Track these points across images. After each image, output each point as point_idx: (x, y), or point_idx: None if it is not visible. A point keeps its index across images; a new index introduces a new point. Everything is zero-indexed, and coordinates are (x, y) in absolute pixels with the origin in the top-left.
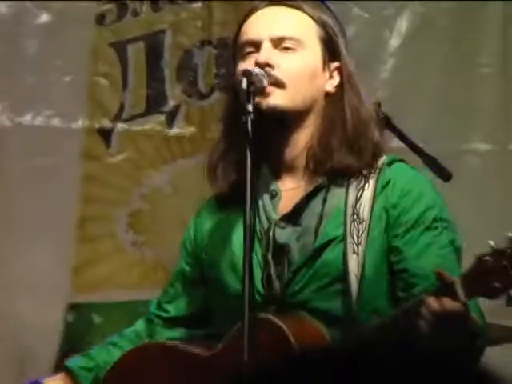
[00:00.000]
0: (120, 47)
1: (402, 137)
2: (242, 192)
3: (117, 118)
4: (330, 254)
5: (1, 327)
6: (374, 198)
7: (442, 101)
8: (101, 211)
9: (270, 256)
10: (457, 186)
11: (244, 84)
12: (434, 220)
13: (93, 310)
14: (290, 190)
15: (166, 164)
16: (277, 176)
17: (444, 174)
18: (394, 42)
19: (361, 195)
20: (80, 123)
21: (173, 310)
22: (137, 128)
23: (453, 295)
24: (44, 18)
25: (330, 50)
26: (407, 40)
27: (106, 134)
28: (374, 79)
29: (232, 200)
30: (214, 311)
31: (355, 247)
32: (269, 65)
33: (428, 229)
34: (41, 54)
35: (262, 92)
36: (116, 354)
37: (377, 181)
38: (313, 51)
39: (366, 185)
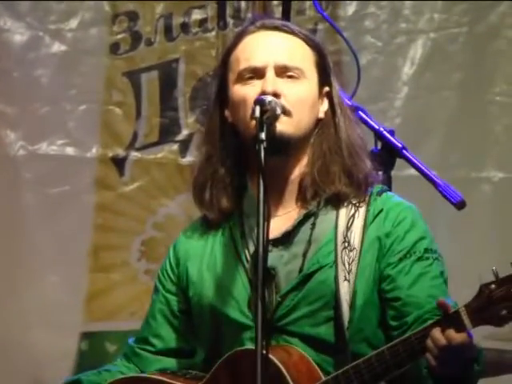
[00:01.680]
0: (134, 76)
1: (415, 165)
2: (231, 216)
3: (130, 146)
4: (321, 280)
5: (15, 355)
6: (365, 226)
7: (454, 129)
8: (114, 240)
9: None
10: (470, 213)
11: (257, 112)
12: (426, 251)
13: (106, 339)
14: (278, 215)
15: (179, 192)
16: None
17: (457, 202)
18: (408, 70)
19: (351, 223)
20: (94, 152)
21: (159, 343)
22: (150, 157)
23: (458, 325)
24: (57, 47)
25: (323, 75)
26: (420, 68)
27: (119, 163)
28: (388, 107)
29: (220, 223)
30: (200, 338)
31: (346, 274)
32: (276, 94)
33: (420, 259)
34: (54, 84)
35: (275, 120)
36: None
37: (367, 210)
38: (312, 79)
39: (357, 213)
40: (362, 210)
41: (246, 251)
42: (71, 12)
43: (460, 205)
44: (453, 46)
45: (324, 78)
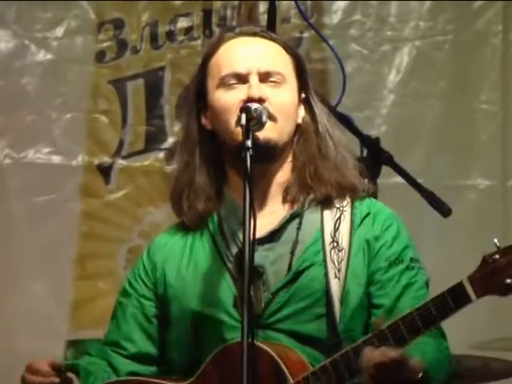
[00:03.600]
0: (119, 84)
1: (401, 173)
2: (209, 220)
3: (116, 154)
4: (311, 277)
5: (0, 363)
6: (352, 228)
7: (440, 137)
8: (100, 248)
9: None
10: (455, 221)
11: (243, 120)
12: (412, 260)
13: (92, 347)
14: (262, 215)
15: (166, 200)
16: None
17: (443, 210)
18: (393, 77)
19: (338, 225)
20: (79, 160)
21: (132, 347)
22: (136, 165)
23: (464, 297)
24: (43, 55)
25: (301, 82)
26: (406, 76)
27: (105, 171)
28: (374, 115)
29: (198, 227)
30: (178, 344)
31: (336, 272)
32: (261, 99)
33: (407, 268)
34: (40, 92)
35: (261, 127)
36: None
37: (352, 213)
38: (292, 84)
39: (342, 216)
40: (347, 214)
41: (228, 252)
42: (57, 20)
43: (446, 212)
44: (438, 54)
45: (302, 84)
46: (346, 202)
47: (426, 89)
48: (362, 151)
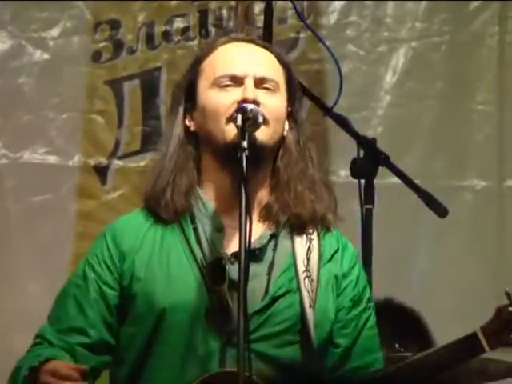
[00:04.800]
0: (116, 85)
1: (398, 173)
2: (181, 216)
3: (112, 155)
4: (286, 305)
5: None
6: (320, 261)
7: (437, 137)
8: None
9: (225, 288)
10: (452, 222)
11: (239, 120)
12: (368, 300)
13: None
14: (237, 230)
15: None
16: (222, 210)
17: (440, 211)
18: (390, 78)
19: (309, 256)
20: (76, 160)
21: (95, 334)
22: (132, 165)
23: (477, 347)
24: (39, 55)
25: (289, 94)
26: (402, 77)
27: (101, 171)
28: (370, 116)
29: (171, 221)
30: (132, 341)
31: (311, 301)
32: (256, 102)
33: (365, 309)
34: (36, 92)
35: (257, 128)
36: None
37: (320, 245)
38: (283, 94)
39: (311, 245)
40: (315, 244)
41: (203, 259)
42: (53, 20)
43: (442, 213)
44: (435, 55)
45: (290, 96)
46: (314, 232)
47: (423, 90)
48: (358, 152)
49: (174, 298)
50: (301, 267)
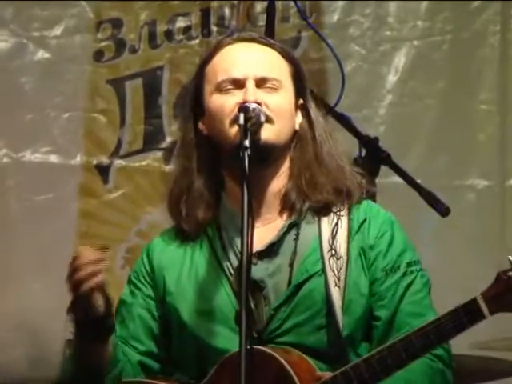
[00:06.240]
0: (118, 84)
1: (400, 172)
2: (207, 228)
3: (114, 154)
4: (311, 289)
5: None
6: (350, 236)
7: (439, 136)
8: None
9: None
10: (454, 221)
11: (241, 119)
12: (408, 265)
13: None
14: (259, 226)
15: (164, 200)
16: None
17: (442, 210)
18: (392, 77)
19: (336, 232)
20: (78, 159)
21: (140, 346)
22: (134, 164)
23: (476, 313)
24: (41, 54)
25: (298, 88)
26: (404, 76)
27: (103, 171)
28: (372, 115)
29: (197, 234)
30: (182, 352)
31: (336, 280)
32: (257, 103)
33: (405, 275)
34: (38, 91)
35: (259, 127)
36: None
37: (350, 219)
38: (289, 90)
39: (339, 222)
40: (345, 219)
41: (229, 264)
42: (55, 19)
43: (444, 212)
44: (437, 54)
45: (299, 90)
46: (343, 208)
47: (425, 89)
48: (360, 151)
49: (202, 305)
50: (326, 247)
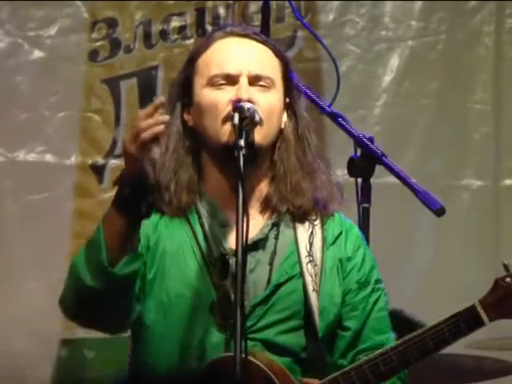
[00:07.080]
0: (113, 83)
1: (395, 172)
2: (186, 213)
3: (109, 154)
4: (289, 291)
5: None
6: (324, 246)
7: (433, 136)
8: None
9: (228, 283)
10: (448, 221)
11: (236, 119)
12: (376, 282)
13: (85, 346)
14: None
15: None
16: (224, 206)
17: (437, 210)
18: (387, 77)
19: (312, 240)
20: (73, 159)
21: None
22: None
23: (476, 320)
24: (36, 54)
25: (287, 86)
26: (399, 75)
27: (98, 170)
28: (367, 114)
29: (179, 217)
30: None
31: (314, 285)
32: (251, 101)
33: (372, 291)
34: (33, 91)
35: (254, 126)
36: None
37: (324, 229)
38: (279, 89)
39: (314, 231)
40: (318, 229)
41: (210, 254)
42: (50, 19)
43: (439, 212)
44: (431, 54)
45: (287, 89)
46: (317, 218)
47: (419, 88)
48: (355, 151)
49: (181, 290)
50: (303, 252)
